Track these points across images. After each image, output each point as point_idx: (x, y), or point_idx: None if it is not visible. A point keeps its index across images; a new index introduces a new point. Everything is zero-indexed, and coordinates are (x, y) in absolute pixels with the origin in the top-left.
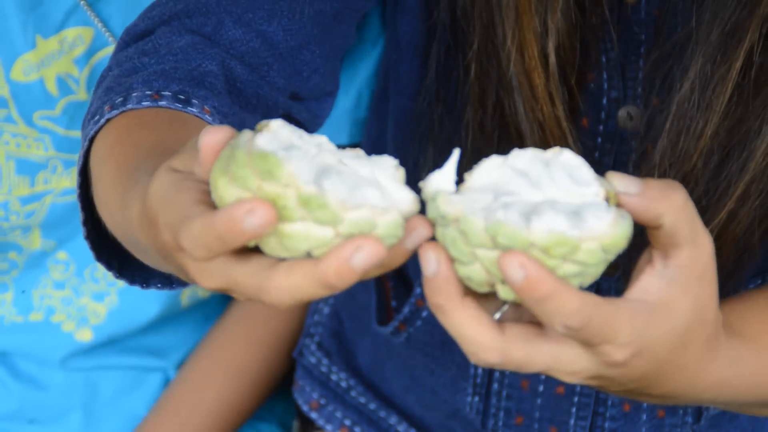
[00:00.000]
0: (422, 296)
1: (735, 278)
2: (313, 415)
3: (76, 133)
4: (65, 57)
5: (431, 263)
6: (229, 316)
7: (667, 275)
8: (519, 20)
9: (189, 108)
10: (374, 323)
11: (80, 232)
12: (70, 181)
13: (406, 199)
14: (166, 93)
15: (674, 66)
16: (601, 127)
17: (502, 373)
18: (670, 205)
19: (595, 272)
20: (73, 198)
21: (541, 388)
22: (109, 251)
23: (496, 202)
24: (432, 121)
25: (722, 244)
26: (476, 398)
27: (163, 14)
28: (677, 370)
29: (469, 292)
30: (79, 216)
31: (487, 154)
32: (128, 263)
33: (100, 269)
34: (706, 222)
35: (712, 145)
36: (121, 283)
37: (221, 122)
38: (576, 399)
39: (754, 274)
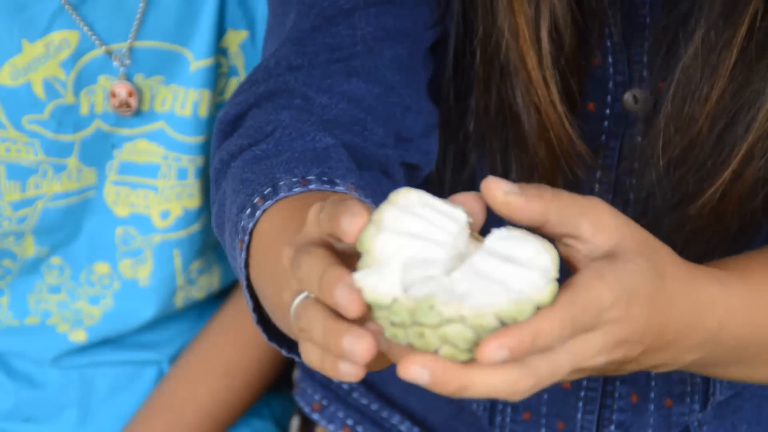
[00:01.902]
0: None
1: (741, 245)
2: (315, 416)
3: (65, 137)
4: (51, 60)
5: (423, 375)
6: (223, 314)
7: (592, 245)
8: (511, 5)
9: (336, 188)
10: None
11: (73, 236)
12: (60, 185)
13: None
14: (311, 177)
15: (677, 38)
16: (607, 111)
17: None
18: (547, 198)
19: None
20: (66, 202)
21: None
22: (279, 334)
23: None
24: (446, 111)
25: (726, 204)
26: None
27: (249, 99)
28: (670, 300)
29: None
30: (72, 222)
31: (491, 139)
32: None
33: (96, 272)
34: (711, 184)
35: (717, 109)
36: (117, 286)
37: (365, 196)
38: (583, 393)
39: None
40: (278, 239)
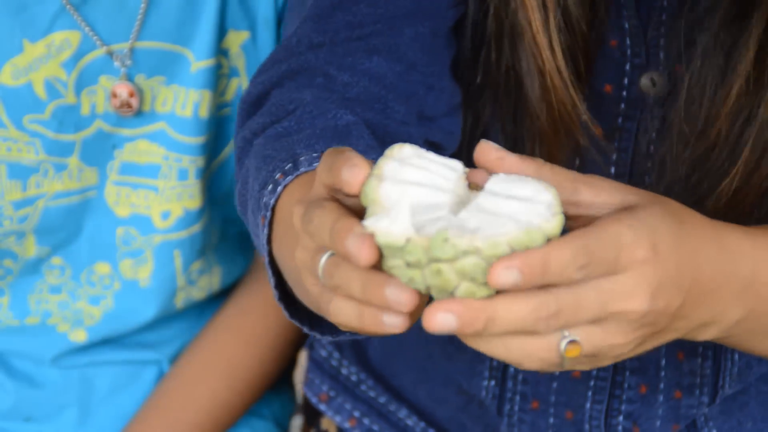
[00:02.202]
0: None
1: None
2: (322, 407)
3: (66, 137)
4: (53, 61)
5: (449, 320)
6: (224, 314)
7: (597, 207)
8: None
9: None
10: None
11: (74, 235)
12: (61, 184)
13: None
14: None
15: (697, 31)
16: (624, 93)
17: None
18: (540, 162)
19: None
20: (66, 201)
21: (556, 372)
22: (301, 311)
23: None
24: (463, 70)
25: (743, 197)
26: (492, 382)
27: (272, 78)
28: (698, 244)
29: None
30: (73, 221)
31: (501, 96)
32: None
33: (97, 273)
34: (725, 175)
35: (735, 109)
36: (117, 286)
37: None
38: (592, 383)
39: None
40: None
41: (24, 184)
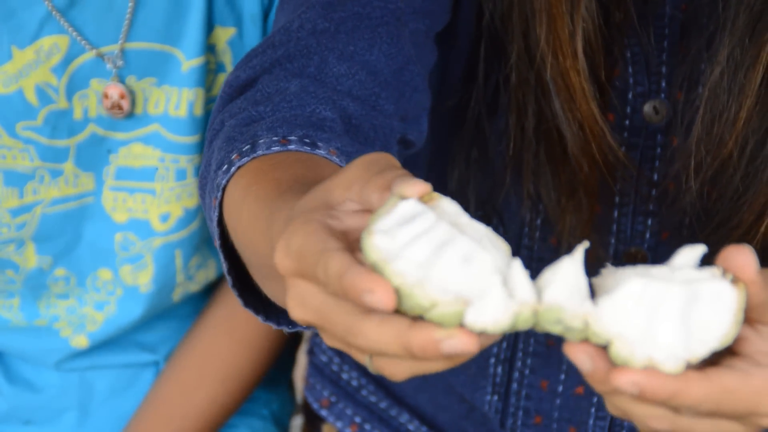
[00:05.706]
0: None
1: None
2: (323, 413)
3: (60, 142)
4: (42, 66)
5: (586, 363)
6: (215, 315)
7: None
8: (552, 22)
9: (317, 150)
10: None
11: (74, 243)
12: (58, 190)
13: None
14: (293, 137)
15: (701, 57)
16: (627, 122)
17: (522, 372)
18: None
19: None
20: (64, 207)
21: (560, 388)
22: (255, 299)
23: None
24: (469, 127)
25: (762, 226)
26: (495, 397)
27: (264, 62)
28: None
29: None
30: (71, 228)
31: (527, 161)
32: (273, 307)
33: (100, 278)
34: (743, 204)
35: (746, 130)
36: (120, 292)
37: (347, 161)
38: (595, 399)
39: None
40: (241, 198)
41: (21, 191)
